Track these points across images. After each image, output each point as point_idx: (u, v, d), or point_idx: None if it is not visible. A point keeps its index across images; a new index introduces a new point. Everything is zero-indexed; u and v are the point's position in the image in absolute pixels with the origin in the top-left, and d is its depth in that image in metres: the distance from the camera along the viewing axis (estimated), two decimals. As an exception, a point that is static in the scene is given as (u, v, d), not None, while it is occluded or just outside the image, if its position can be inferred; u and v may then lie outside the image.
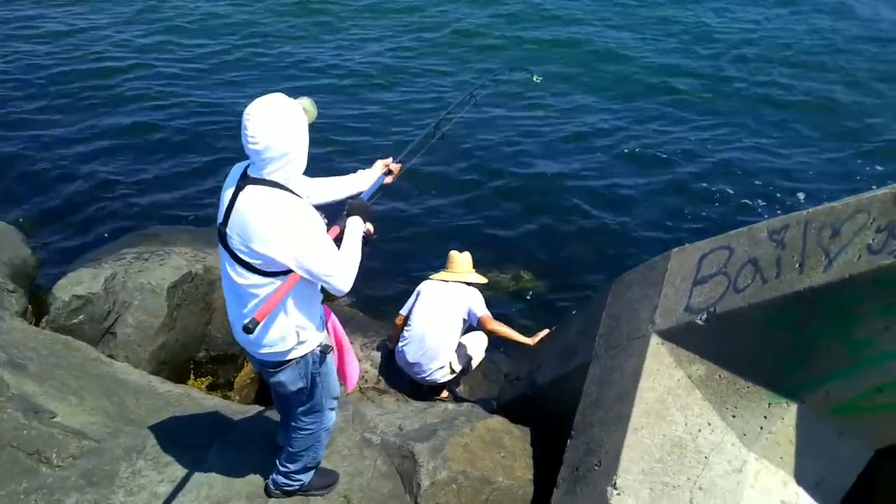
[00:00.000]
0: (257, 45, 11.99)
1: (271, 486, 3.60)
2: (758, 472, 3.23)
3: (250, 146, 2.79)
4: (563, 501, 3.48)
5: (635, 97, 10.63)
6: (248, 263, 2.89)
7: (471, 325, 5.48)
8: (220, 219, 2.94)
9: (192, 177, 8.78)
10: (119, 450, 3.78)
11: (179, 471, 3.63)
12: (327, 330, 3.32)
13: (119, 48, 11.78)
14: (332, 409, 3.44)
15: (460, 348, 5.49)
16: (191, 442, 3.83)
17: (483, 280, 5.68)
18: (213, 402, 4.85)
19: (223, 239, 2.94)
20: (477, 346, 5.62)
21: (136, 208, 8.12)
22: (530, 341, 5.13)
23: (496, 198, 8.51)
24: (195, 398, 4.86)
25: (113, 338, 5.44)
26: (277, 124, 2.77)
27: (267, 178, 2.85)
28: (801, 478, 3.27)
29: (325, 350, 3.17)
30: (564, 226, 8.04)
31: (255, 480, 3.64)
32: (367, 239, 3.20)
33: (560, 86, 10.99)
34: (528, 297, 7.08)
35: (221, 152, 9.06)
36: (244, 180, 2.88)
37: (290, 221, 2.83)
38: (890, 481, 3.45)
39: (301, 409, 3.34)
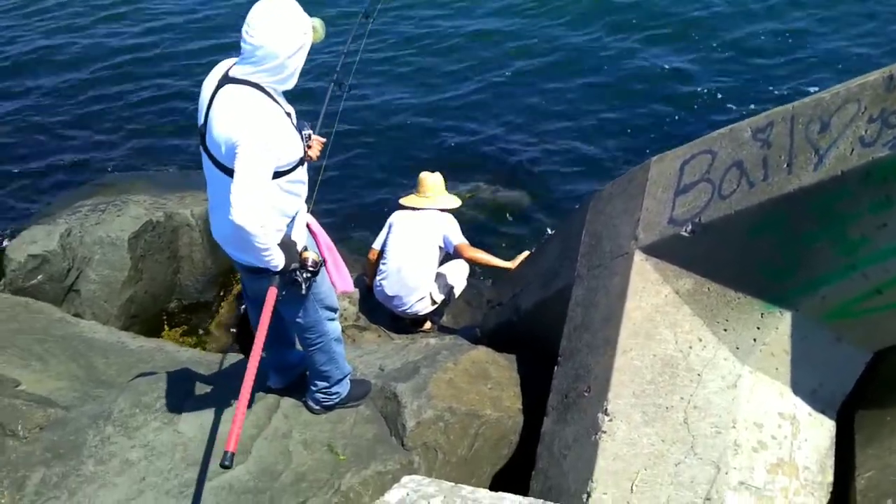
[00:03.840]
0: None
1: (311, 404, 3.62)
2: (753, 386, 3.10)
3: (247, 38, 2.72)
4: (553, 430, 3.35)
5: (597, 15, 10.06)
6: (224, 166, 2.80)
7: (448, 253, 5.28)
8: (200, 119, 2.89)
9: (144, 123, 8.41)
10: (85, 417, 3.59)
11: (151, 434, 3.46)
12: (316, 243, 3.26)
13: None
14: (332, 319, 3.37)
15: (440, 278, 5.30)
16: (163, 402, 3.64)
17: (456, 202, 5.46)
18: (188, 355, 4.66)
19: (203, 141, 2.87)
20: (457, 274, 5.43)
21: (87, 159, 7.79)
22: (511, 265, 4.96)
23: (461, 115, 8.15)
24: (168, 352, 4.67)
25: (77, 295, 5.22)
26: (281, 25, 2.71)
27: (250, 78, 2.76)
28: (798, 387, 3.15)
29: (315, 265, 3.03)
30: (537, 138, 7.72)
31: (233, 435, 3.48)
32: (313, 270, 3.03)
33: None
34: (506, 216, 6.84)
35: (172, 99, 8.67)
36: (225, 79, 2.81)
37: (254, 118, 2.72)
38: (886, 378, 3.32)
39: (299, 324, 3.27)
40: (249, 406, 3.53)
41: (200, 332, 5.80)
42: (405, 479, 2.42)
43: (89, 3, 10.93)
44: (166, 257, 5.61)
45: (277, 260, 2.85)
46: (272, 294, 2.93)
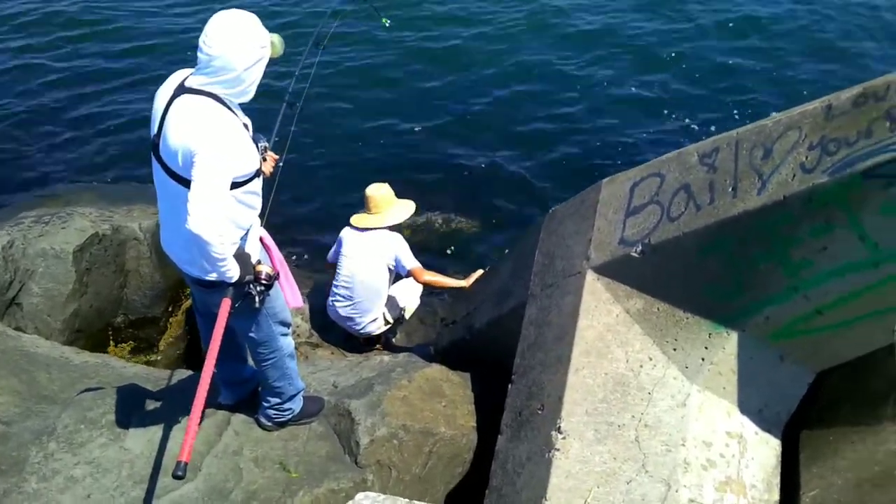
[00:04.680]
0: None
1: (263, 420, 3.60)
2: (701, 405, 3.18)
3: (204, 50, 2.72)
4: (507, 448, 3.38)
5: (546, 30, 10.25)
6: (178, 176, 2.78)
7: (399, 274, 5.25)
8: (153, 128, 2.85)
9: (91, 134, 8.19)
10: (28, 433, 3.49)
11: (96, 450, 3.38)
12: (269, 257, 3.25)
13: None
14: (285, 335, 3.36)
15: (393, 298, 5.29)
16: (107, 418, 3.56)
17: (409, 208, 5.21)
18: (134, 371, 4.56)
19: (156, 150, 2.84)
20: (410, 294, 5.43)
21: (31, 170, 7.54)
22: (465, 283, 4.98)
23: (416, 136, 8.18)
24: (114, 367, 4.56)
25: (18, 309, 5.06)
26: (238, 37, 2.72)
27: (207, 88, 2.78)
28: (745, 406, 3.24)
29: (269, 279, 3.02)
30: (491, 159, 7.79)
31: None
32: (267, 284, 3.02)
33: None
34: (459, 236, 6.88)
35: (120, 111, 8.49)
36: (181, 89, 2.79)
37: (213, 127, 2.72)
38: (829, 398, 3.44)
39: (252, 339, 3.25)
40: (201, 419, 3.49)
41: (147, 347, 5.69)
42: (360, 496, 2.42)
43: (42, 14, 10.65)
44: (112, 271, 5.49)
45: (233, 272, 2.83)
46: (226, 306, 2.90)
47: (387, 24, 5.41)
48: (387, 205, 5.10)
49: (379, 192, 5.09)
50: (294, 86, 4.47)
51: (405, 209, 5.18)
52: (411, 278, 5.18)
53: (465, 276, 5.08)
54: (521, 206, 7.17)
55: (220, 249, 2.70)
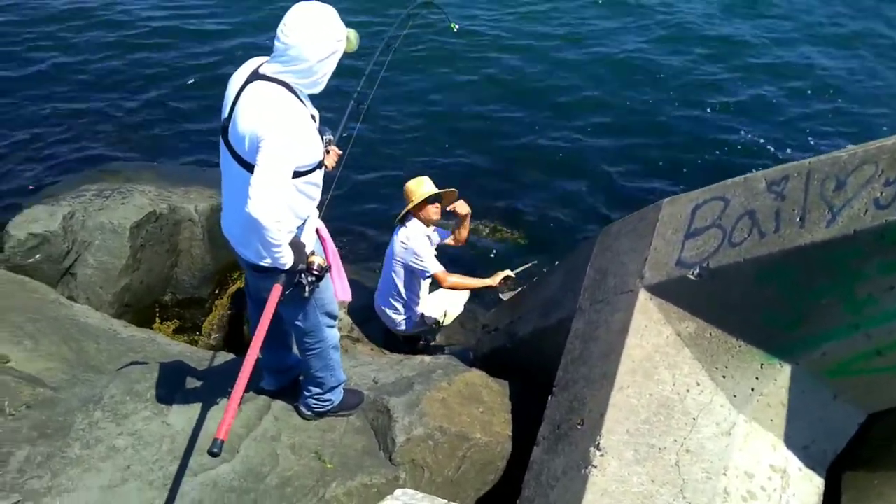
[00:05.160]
0: None
1: (303, 409, 3.63)
2: (747, 435, 3.11)
3: (281, 38, 2.77)
4: (543, 460, 3.35)
5: (607, 51, 10.18)
6: (243, 160, 2.82)
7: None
8: (224, 113, 2.91)
9: (158, 113, 8.41)
10: (76, 400, 3.56)
11: (140, 423, 3.43)
12: (324, 248, 3.28)
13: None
14: (331, 326, 3.38)
15: (434, 302, 5.29)
16: (152, 393, 3.62)
17: (428, 190, 4.95)
18: (179, 349, 4.64)
19: (225, 134, 2.89)
20: (453, 300, 5.42)
21: (97, 143, 7.75)
22: (492, 282, 5.00)
23: (475, 144, 8.20)
24: (160, 344, 4.64)
25: (73, 279, 5.18)
26: (316, 31, 2.76)
27: (279, 76, 2.82)
28: (791, 441, 3.16)
29: (321, 270, 3.03)
30: (545, 176, 7.77)
31: (220, 433, 3.45)
32: (318, 275, 3.04)
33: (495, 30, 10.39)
34: (506, 246, 6.88)
35: (191, 91, 8.70)
36: (255, 76, 2.83)
37: (281, 115, 2.76)
38: (878, 440, 3.34)
39: (298, 327, 3.28)
40: (241, 403, 3.52)
41: (191, 327, 5.77)
42: (398, 492, 2.42)
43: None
44: (165, 250, 5.59)
45: (286, 259, 2.86)
46: (276, 291, 2.93)
47: (455, 29, 5.42)
48: (419, 194, 4.93)
49: (412, 184, 4.98)
50: (363, 84, 4.51)
51: (427, 188, 4.95)
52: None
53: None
54: (574, 220, 7.15)
55: (277, 235, 2.73)
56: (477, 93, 9.07)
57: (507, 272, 5.04)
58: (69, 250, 5.14)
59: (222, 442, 2.60)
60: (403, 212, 4.98)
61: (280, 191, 2.72)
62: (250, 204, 2.64)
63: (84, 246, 5.21)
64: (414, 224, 4.97)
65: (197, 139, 7.96)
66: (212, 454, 2.59)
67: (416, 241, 4.92)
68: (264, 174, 2.67)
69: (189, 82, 8.94)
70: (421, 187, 4.95)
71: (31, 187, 6.92)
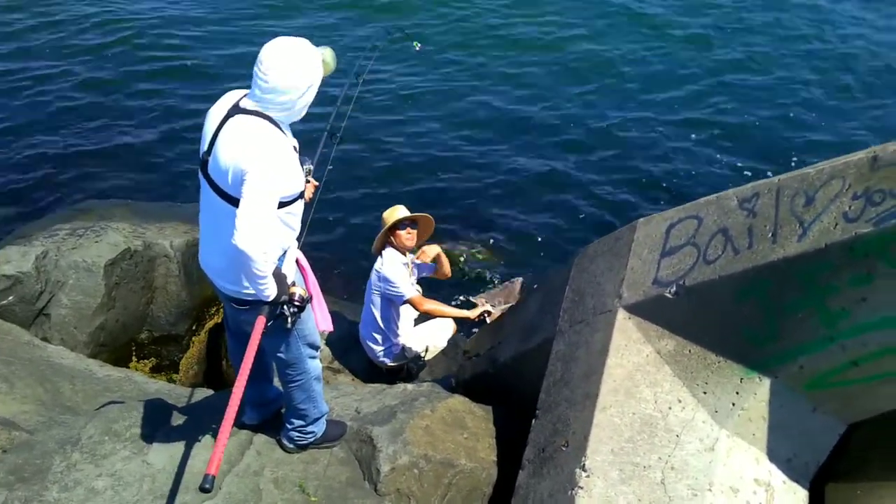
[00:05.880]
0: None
1: (285, 442, 3.59)
2: (730, 450, 3.14)
3: (260, 81, 2.77)
4: (529, 483, 3.34)
5: (574, 69, 10.31)
6: (226, 193, 2.82)
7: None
8: (204, 146, 2.90)
9: (129, 151, 8.38)
10: (52, 442, 3.49)
11: (119, 463, 3.37)
12: (304, 279, 3.27)
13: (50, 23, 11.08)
14: (314, 357, 3.37)
15: (420, 332, 5.30)
16: (131, 432, 3.56)
17: (400, 213, 5.05)
18: (157, 387, 4.58)
19: (204, 168, 2.88)
20: (440, 331, 5.42)
21: (68, 183, 7.72)
22: (470, 314, 5.01)
23: (449, 170, 8.28)
24: (137, 382, 4.59)
25: (46, 319, 5.11)
26: (295, 68, 2.77)
27: (261, 110, 2.82)
28: (774, 454, 3.19)
29: (302, 301, 3.03)
30: (519, 199, 7.86)
31: (203, 471, 3.33)
32: (300, 305, 3.04)
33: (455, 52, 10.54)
34: (483, 269, 6.92)
35: (162, 127, 8.67)
36: (234, 110, 2.84)
37: (266, 148, 2.76)
38: (858, 451, 3.38)
39: (281, 359, 3.26)
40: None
41: (169, 365, 5.70)
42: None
43: (94, 29, 10.91)
44: (141, 287, 5.54)
45: (271, 290, 2.85)
46: (260, 324, 2.92)
47: (417, 48, 5.52)
48: (385, 221, 5.06)
49: (386, 213, 5.08)
50: (335, 115, 4.54)
51: (399, 214, 5.03)
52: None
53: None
54: (551, 242, 7.23)
55: (263, 267, 2.74)
56: (450, 118, 9.17)
57: (487, 307, 5.05)
58: (42, 290, 5.07)
59: (213, 477, 2.59)
60: (377, 240, 5.02)
61: (266, 222, 2.74)
62: (237, 236, 2.65)
63: (57, 286, 5.14)
64: (389, 253, 5.02)
65: (170, 175, 7.94)
66: (203, 490, 2.58)
67: (389, 268, 4.94)
68: (251, 206, 2.68)
69: (160, 118, 8.91)
70: (394, 214, 5.01)
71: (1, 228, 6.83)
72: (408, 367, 5.43)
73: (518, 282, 5.47)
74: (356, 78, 4.78)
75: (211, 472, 2.54)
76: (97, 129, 8.72)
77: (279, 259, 3.03)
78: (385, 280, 4.92)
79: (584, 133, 8.89)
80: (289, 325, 3.03)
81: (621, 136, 8.81)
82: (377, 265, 5.01)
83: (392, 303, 5.04)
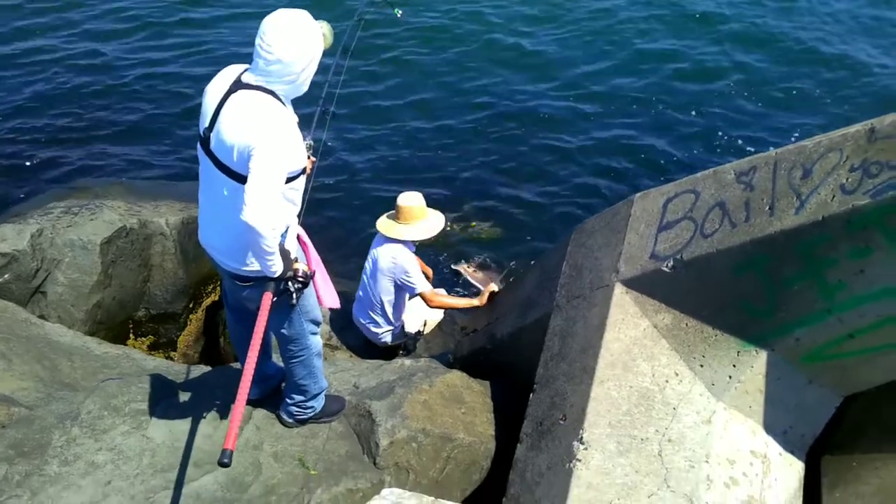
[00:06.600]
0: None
1: (285, 417, 3.61)
2: (727, 422, 3.16)
3: (263, 54, 2.74)
4: (527, 457, 3.36)
5: (573, 42, 10.21)
6: (229, 170, 2.80)
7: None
8: (204, 122, 2.86)
9: (123, 130, 8.32)
10: (52, 417, 3.50)
11: (119, 438, 3.39)
12: (306, 255, 3.26)
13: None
14: (315, 333, 3.38)
15: (414, 312, 5.30)
16: (131, 407, 3.57)
17: (439, 225, 5.01)
18: (155, 364, 4.58)
19: (206, 144, 2.85)
20: (434, 311, 5.42)
21: (64, 161, 7.66)
22: (478, 302, 5.00)
23: (446, 148, 8.23)
24: (135, 359, 4.59)
25: (43, 297, 5.10)
26: (297, 41, 2.74)
27: (264, 85, 2.80)
28: (770, 427, 3.21)
29: (306, 276, 3.03)
30: (516, 173, 7.84)
31: (202, 445, 3.42)
32: (303, 281, 3.04)
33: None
34: (482, 246, 6.91)
35: (157, 105, 8.60)
36: (237, 85, 2.81)
37: (272, 123, 2.74)
38: (854, 423, 3.41)
39: (283, 335, 3.27)
40: (226, 415, 3.51)
41: (166, 343, 5.71)
42: (385, 491, 2.43)
43: (87, 8, 10.80)
44: (137, 265, 5.53)
45: (277, 266, 2.85)
46: (267, 299, 2.92)
47: (398, 14, 5.46)
48: (417, 216, 4.92)
49: (410, 203, 4.90)
50: (326, 91, 4.51)
51: (436, 223, 4.98)
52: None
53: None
54: (548, 217, 7.22)
55: (272, 243, 2.74)
56: (445, 92, 9.11)
57: (493, 287, 5.03)
58: (38, 269, 5.05)
59: (231, 452, 2.60)
60: (408, 238, 4.92)
61: (275, 198, 2.72)
62: (246, 212, 2.63)
63: (54, 264, 5.13)
64: (402, 245, 4.96)
65: (165, 153, 7.90)
66: (222, 464, 2.60)
67: (405, 258, 4.90)
68: (260, 182, 2.66)
69: (154, 97, 8.85)
70: (418, 216, 4.92)
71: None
72: (405, 344, 5.45)
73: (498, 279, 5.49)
74: (345, 53, 4.74)
75: (228, 446, 2.57)
76: (90, 109, 8.64)
77: (282, 235, 3.03)
78: (404, 271, 4.89)
79: (583, 107, 8.83)
80: (293, 302, 3.03)
81: (620, 111, 8.77)
82: (390, 252, 4.91)
83: (402, 290, 5.05)
